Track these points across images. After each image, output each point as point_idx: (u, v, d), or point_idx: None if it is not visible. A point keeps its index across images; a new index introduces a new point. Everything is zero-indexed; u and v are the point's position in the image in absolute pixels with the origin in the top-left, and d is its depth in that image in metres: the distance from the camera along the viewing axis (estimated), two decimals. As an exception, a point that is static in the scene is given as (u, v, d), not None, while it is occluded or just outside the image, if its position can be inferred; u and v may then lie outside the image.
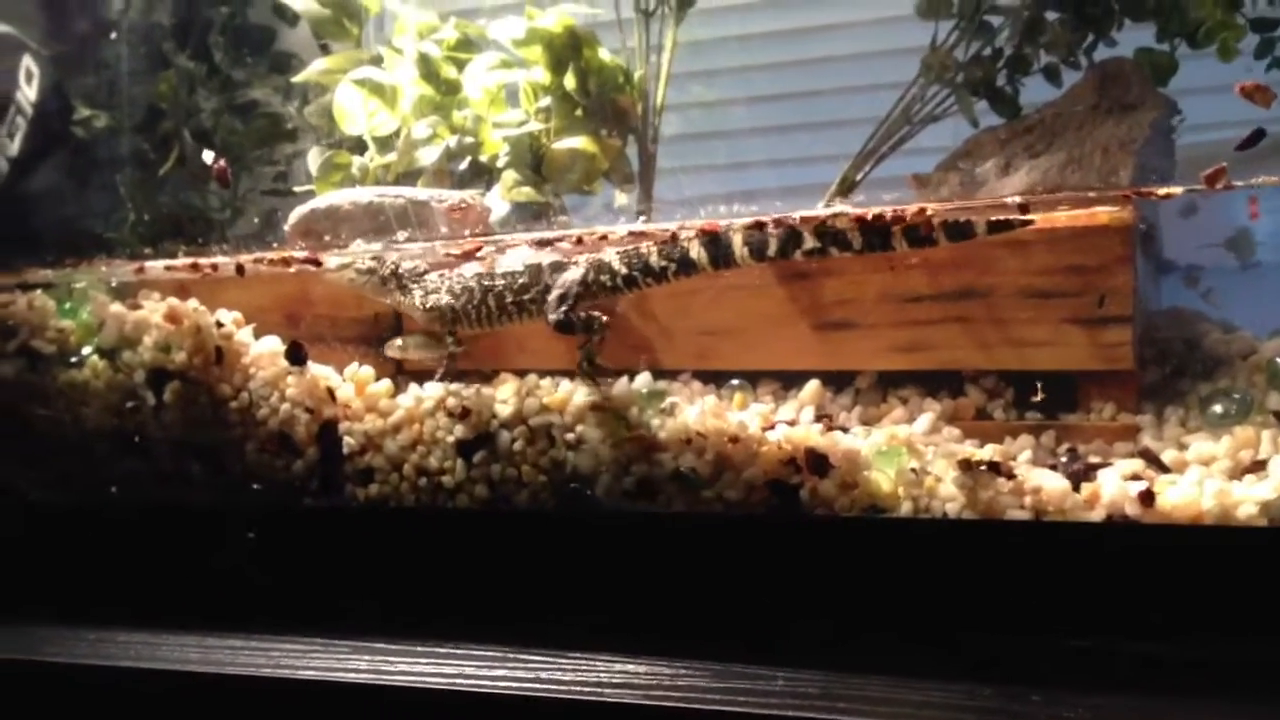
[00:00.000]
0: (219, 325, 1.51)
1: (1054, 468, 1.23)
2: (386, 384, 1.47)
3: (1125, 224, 1.28)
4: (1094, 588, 1.15)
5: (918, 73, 1.59)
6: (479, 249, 1.47)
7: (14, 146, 1.87)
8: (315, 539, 1.44)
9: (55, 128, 1.92)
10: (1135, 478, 1.19)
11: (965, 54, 1.57)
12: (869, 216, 1.26)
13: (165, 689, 1.17)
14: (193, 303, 1.54)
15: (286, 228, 1.58)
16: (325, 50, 1.91)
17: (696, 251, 1.33)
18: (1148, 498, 1.14)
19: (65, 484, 1.56)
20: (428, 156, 1.71)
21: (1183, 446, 1.24)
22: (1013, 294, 1.32)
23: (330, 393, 1.47)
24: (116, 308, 1.55)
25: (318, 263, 1.49)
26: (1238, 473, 1.19)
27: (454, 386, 1.42)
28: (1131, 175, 1.42)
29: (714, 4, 1.77)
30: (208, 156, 1.73)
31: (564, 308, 1.38)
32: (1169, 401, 1.32)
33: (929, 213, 1.25)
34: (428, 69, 1.74)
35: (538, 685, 1.09)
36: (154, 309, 1.54)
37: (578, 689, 1.07)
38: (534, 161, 1.71)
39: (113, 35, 1.98)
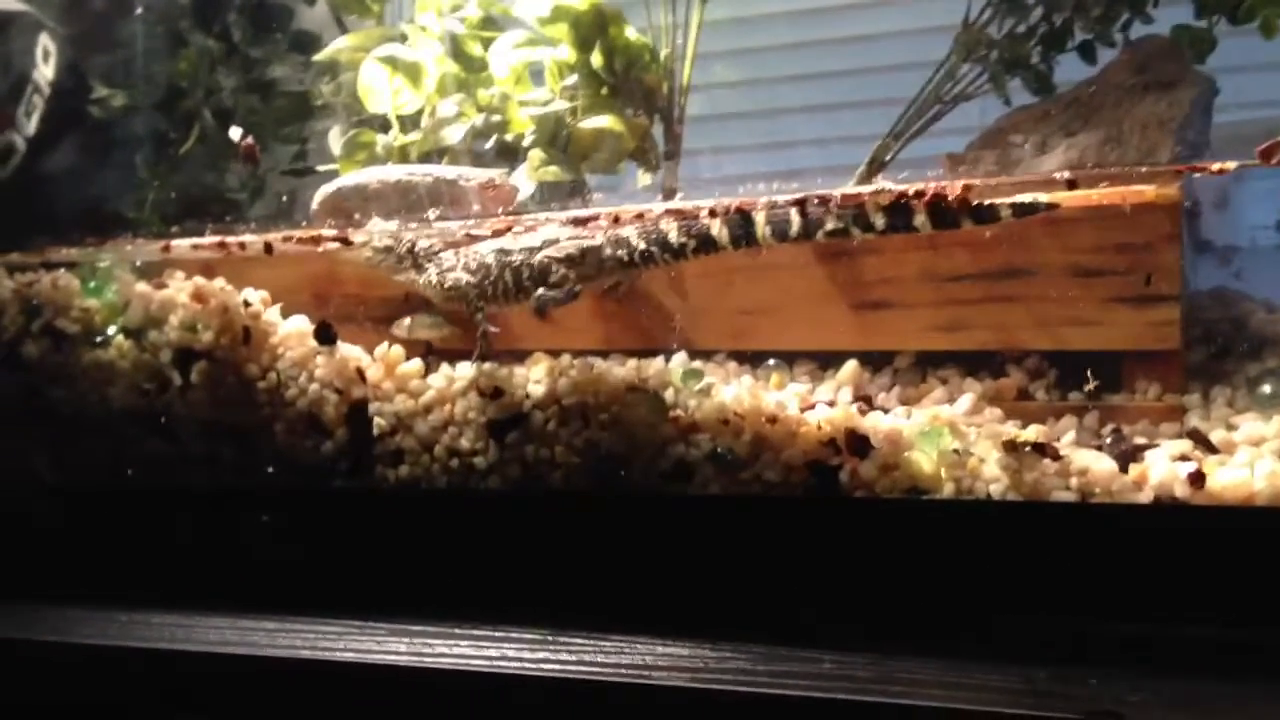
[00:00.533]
0: (246, 304, 1.49)
1: (1099, 449, 1.21)
2: (417, 364, 1.45)
3: (1173, 201, 1.26)
4: (1141, 570, 1.14)
5: (950, 50, 1.57)
6: (510, 228, 1.45)
7: (31, 125, 1.85)
8: (346, 521, 1.43)
9: (73, 107, 1.90)
10: (1184, 458, 1.17)
11: (999, 31, 1.55)
12: (910, 194, 1.24)
13: (204, 671, 1.16)
14: (219, 282, 1.52)
15: (314, 206, 1.56)
16: (343, 28, 1.89)
17: (718, 229, 1.31)
18: (1198, 479, 1.13)
19: (91, 465, 1.54)
20: (453, 135, 1.69)
21: (1231, 427, 1.22)
22: (1057, 272, 1.30)
23: (360, 373, 1.45)
24: (142, 287, 1.53)
25: (348, 241, 1.47)
26: (1289, 453, 1.17)
27: (487, 367, 1.40)
28: (1170, 153, 1.40)
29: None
30: (235, 134, 1.70)
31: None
32: (1215, 381, 1.31)
33: (970, 190, 1.23)
34: (455, 46, 1.71)
35: (582, 668, 1.07)
36: (180, 288, 1.52)
37: (624, 671, 1.06)
38: (561, 141, 1.69)
39: (130, 14, 1.96)
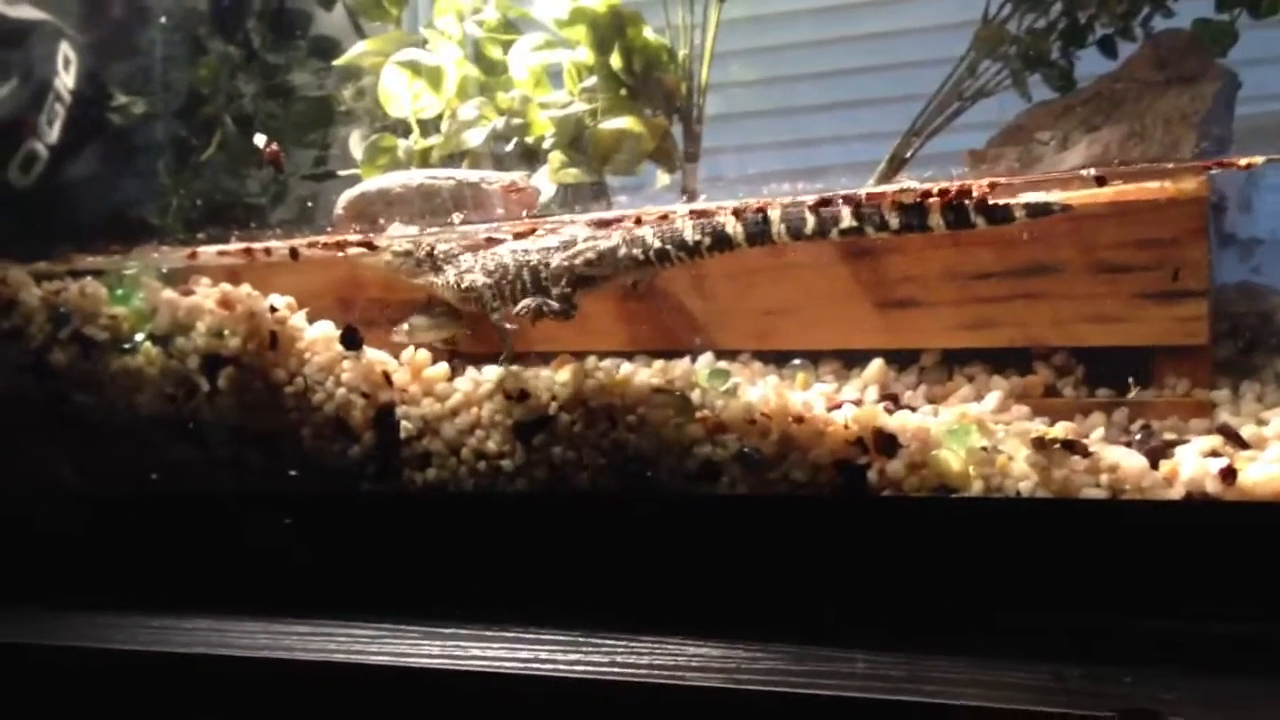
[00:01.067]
0: (272, 310, 1.50)
1: (1128, 445, 1.21)
2: (443, 367, 1.46)
3: (1199, 196, 1.25)
4: (1173, 567, 1.14)
5: (969, 47, 1.57)
6: (533, 230, 1.46)
7: (54, 133, 1.86)
8: (374, 525, 1.43)
9: (94, 114, 1.91)
10: (1214, 454, 1.17)
11: (1019, 27, 1.55)
12: (934, 192, 1.24)
13: (237, 674, 1.17)
14: (245, 288, 1.53)
15: (338, 210, 1.56)
16: (361, 33, 1.89)
17: (733, 227, 1.31)
18: (1229, 474, 1.13)
19: (120, 470, 1.55)
20: (474, 138, 1.69)
21: (1262, 422, 1.22)
22: (1083, 269, 1.30)
23: (386, 377, 1.45)
24: (169, 294, 1.54)
25: (372, 246, 1.47)
26: (1322, 449, 1.17)
27: (514, 369, 1.40)
28: (1194, 148, 1.40)
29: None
30: (259, 140, 1.71)
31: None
32: (1244, 376, 1.30)
33: (995, 188, 1.22)
34: (476, 50, 1.72)
35: (616, 669, 1.08)
36: (206, 294, 1.53)
37: (658, 672, 1.06)
38: (582, 143, 1.69)
39: (150, 21, 1.96)
